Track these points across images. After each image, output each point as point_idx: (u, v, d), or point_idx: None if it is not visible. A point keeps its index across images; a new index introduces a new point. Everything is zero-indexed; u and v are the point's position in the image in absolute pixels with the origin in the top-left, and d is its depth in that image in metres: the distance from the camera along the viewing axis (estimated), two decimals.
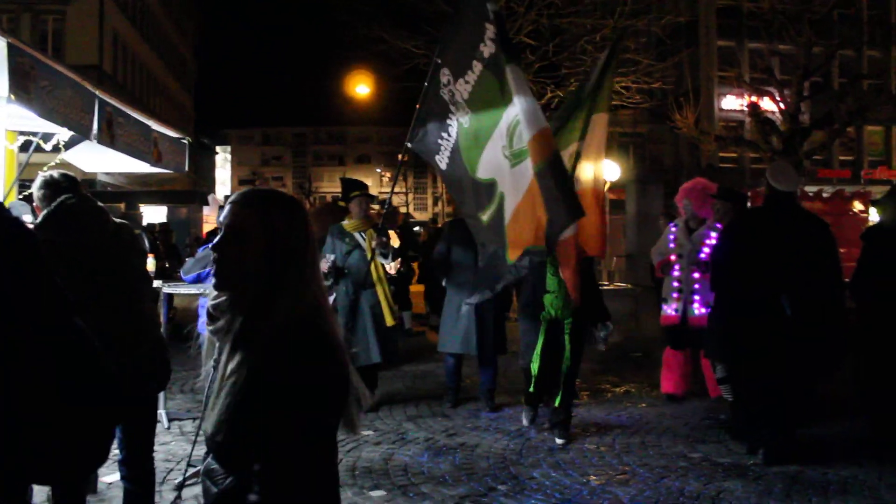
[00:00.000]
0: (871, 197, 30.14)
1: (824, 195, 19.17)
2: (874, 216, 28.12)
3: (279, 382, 1.78)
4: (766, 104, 21.44)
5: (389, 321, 6.95)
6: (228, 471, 1.88)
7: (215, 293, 1.96)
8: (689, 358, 7.35)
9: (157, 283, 6.84)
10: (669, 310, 7.26)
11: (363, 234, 7.07)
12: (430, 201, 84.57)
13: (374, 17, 17.32)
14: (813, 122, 20.65)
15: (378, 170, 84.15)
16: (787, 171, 5.58)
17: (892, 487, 5.03)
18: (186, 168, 7.48)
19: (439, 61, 5.59)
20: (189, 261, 6.97)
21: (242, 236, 1.88)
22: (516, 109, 4.99)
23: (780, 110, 19.91)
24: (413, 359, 9.75)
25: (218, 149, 76.52)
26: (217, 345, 1.98)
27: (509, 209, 5.19)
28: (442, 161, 5.70)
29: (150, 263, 9.73)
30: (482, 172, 5.42)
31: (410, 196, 78.85)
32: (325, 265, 6.93)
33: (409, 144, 5.85)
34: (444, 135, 5.63)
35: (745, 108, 24.38)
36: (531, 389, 6.29)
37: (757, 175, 27.65)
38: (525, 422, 6.52)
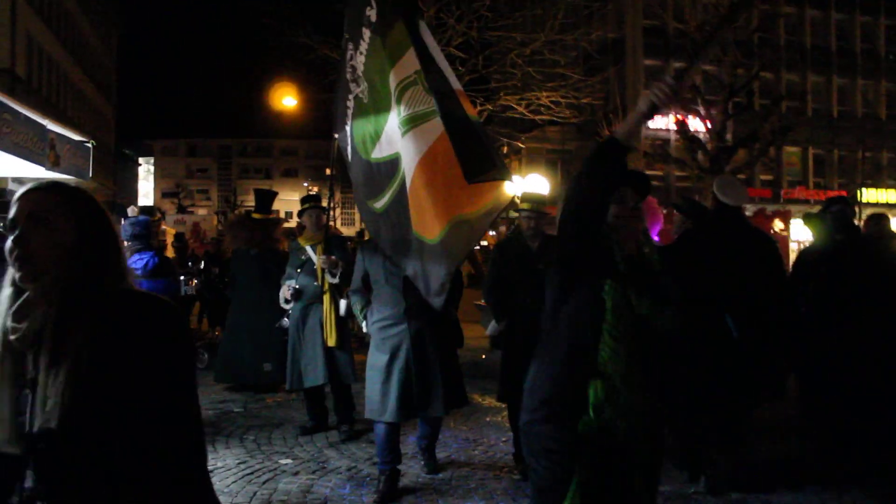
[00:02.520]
0: (792, 215, 30.98)
1: (747, 213, 19.48)
2: (795, 235, 28.93)
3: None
4: (692, 123, 21.68)
5: (331, 342, 6.43)
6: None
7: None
8: None
9: None
10: None
11: (314, 248, 6.67)
12: (357, 216, 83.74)
13: (300, 24, 16.83)
14: (737, 140, 20.96)
15: (305, 184, 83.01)
16: (734, 184, 5.35)
17: None
18: (90, 174, 6.88)
19: (347, 36, 5.09)
20: None
21: (48, 222, 1.77)
22: (407, 70, 4.38)
23: (707, 129, 20.14)
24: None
25: (141, 160, 74.56)
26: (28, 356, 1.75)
27: (409, 184, 4.52)
28: (348, 151, 5.19)
29: None
30: (384, 150, 4.76)
31: (338, 211, 78.06)
32: (287, 292, 6.66)
33: (336, 135, 5.41)
34: (347, 119, 5.16)
35: (671, 127, 24.64)
36: None
37: (682, 192, 28.02)
38: None
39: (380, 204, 4.80)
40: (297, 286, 6.66)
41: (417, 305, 4.98)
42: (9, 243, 1.76)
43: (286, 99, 21.46)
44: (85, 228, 1.81)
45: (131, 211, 27.34)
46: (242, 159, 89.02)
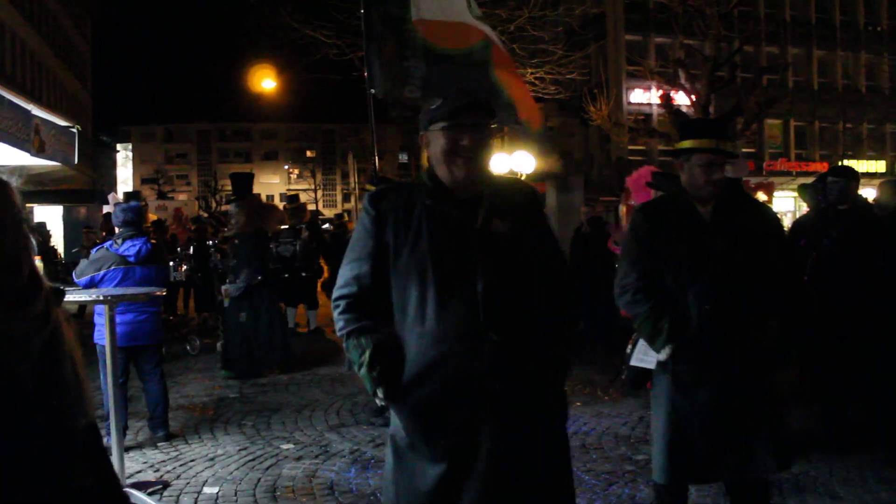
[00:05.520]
0: (775, 187, 31.07)
1: None
2: (777, 206, 28.92)
3: None
4: (676, 97, 21.60)
5: None
6: None
7: None
8: None
9: None
10: None
11: None
12: (339, 197, 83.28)
13: (282, 4, 16.57)
14: (722, 113, 20.94)
15: (286, 167, 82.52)
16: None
17: (845, 482, 4.81)
18: (76, 160, 6.72)
19: None
20: (83, 262, 6.27)
21: None
22: None
23: (692, 102, 20.07)
24: (327, 361, 9.18)
25: (119, 146, 73.72)
26: None
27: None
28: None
29: (38, 266, 8.95)
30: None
31: (319, 192, 77.69)
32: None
33: (372, 91, 5.58)
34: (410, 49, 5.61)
35: (654, 101, 24.54)
36: None
37: (666, 166, 27.97)
38: None
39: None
40: None
41: (511, 344, 2.35)
42: None
43: (265, 81, 21.25)
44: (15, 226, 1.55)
45: (112, 198, 27.34)
46: (222, 143, 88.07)
